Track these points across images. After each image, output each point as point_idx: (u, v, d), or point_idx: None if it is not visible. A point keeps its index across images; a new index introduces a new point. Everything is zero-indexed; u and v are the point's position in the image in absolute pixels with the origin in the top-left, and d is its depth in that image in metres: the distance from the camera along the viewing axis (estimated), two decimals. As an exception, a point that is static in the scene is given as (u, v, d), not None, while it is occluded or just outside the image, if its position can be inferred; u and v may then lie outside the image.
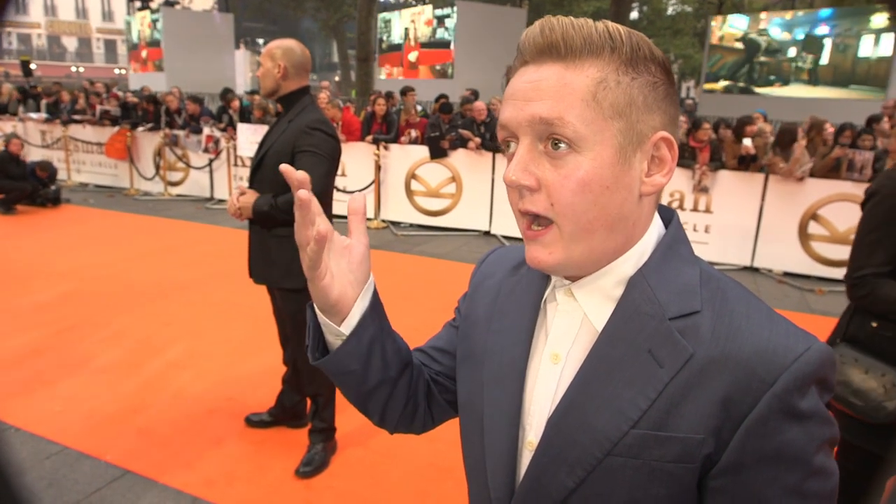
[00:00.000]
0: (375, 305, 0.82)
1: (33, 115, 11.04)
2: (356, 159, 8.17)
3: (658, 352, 0.68)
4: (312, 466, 2.88)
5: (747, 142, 6.45)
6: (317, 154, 2.59)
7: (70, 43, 44.96)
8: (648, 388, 0.67)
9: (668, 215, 0.78)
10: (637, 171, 0.69)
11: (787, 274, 6.42)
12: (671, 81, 0.70)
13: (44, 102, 11.39)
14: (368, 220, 7.27)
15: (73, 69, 42.16)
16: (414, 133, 8.04)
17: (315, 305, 0.81)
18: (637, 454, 0.67)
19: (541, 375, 0.77)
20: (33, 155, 10.64)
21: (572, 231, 0.68)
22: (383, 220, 8.20)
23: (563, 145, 0.66)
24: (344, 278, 0.79)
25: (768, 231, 6.49)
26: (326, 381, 2.92)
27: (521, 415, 0.79)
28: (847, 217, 6.02)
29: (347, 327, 0.79)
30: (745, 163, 6.50)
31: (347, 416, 3.37)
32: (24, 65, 16.41)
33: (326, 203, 2.77)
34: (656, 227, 0.75)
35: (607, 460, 0.68)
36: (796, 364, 0.63)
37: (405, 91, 8.90)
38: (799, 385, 0.63)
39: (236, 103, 9.71)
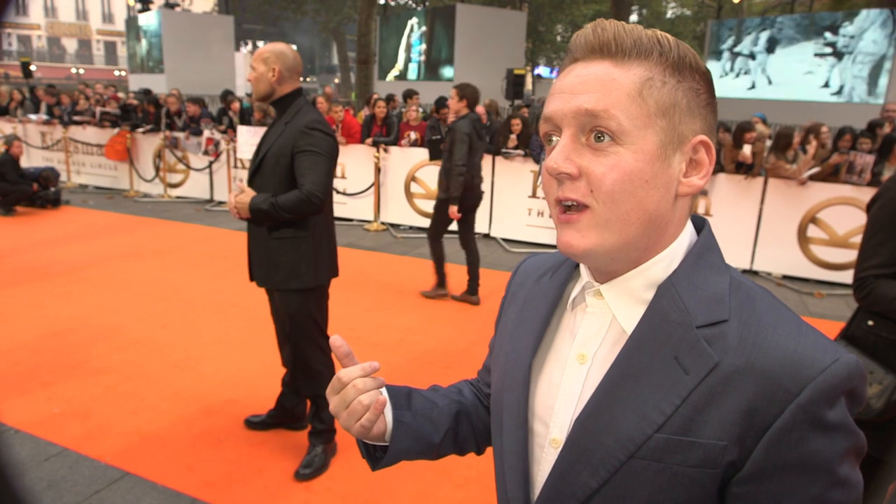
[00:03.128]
0: (397, 399, 0.91)
1: (33, 117, 11.04)
2: (356, 162, 8.18)
3: (684, 359, 0.68)
4: (312, 468, 2.88)
5: (746, 149, 6.45)
6: (317, 153, 2.60)
7: (70, 44, 44.97)
8: (673, 394, 0.68)
9: (700, 223, 0.79)
10: (675, 171, 0.71)
11: (786, 277, 6.43)
12: (712, 93, 0.73)
13: (44, 104, 11.39)
14: (368, 222, 7.24)
15: (73, 71, 42.18)
16: (413, 135, 8.05)
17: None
18: (660, 458, 0.68)
19: (566, 375, 0.78)
20: (33, 156, 10.65)
21: (608, 219, 0.69)
22: (383, 223, 8.21)
23: (606, 137, 0.68)
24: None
25: (767, 234, 6.50)
26: (325, 382, 2.92)
27: (530, 415, 0.81)
28: (846, 220, 6.03)
29: (387, 436, 0.89)
30: (743, 169, 6.51)
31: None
32: (24, 66, 16.40)
33: (328, 202, 2.78)
34: (688, 234, 0.76)
35: (630, 462, 0.69)
36: (823, 375, 0.63)
37: (410, 94, 8.92)
38: (826, 397, 0.63)
39: (237, 105, 9.72)
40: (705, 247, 0.75)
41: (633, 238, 0.71)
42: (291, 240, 2.69)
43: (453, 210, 5.00)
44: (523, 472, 0.81)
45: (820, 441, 0.64)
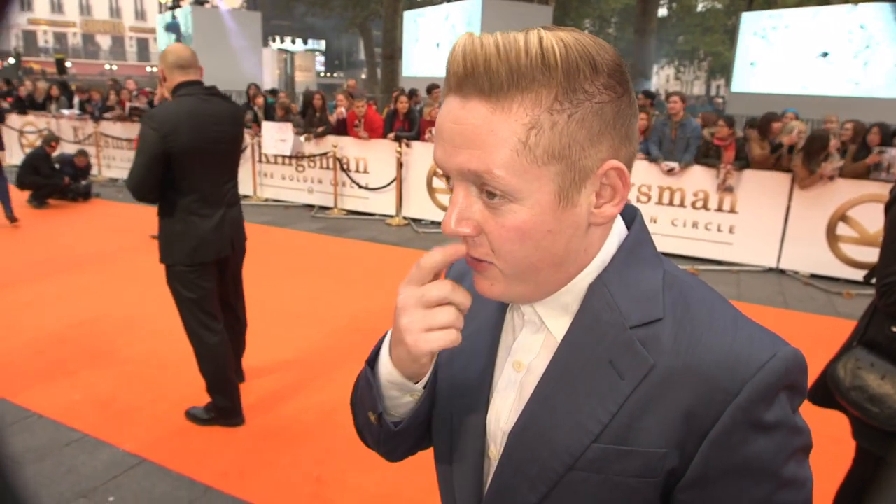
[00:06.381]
0: None
1: (65, 112, 11.31)
2: (378, 156, 8.21)
3: (619, 362, 0.65)
4: (195, 415, 3.26)
5: (793, 126, 6.27)
6: (139, 145, 2.81)
7: (104, 41, 45.99)
8: (609, 401, 0.65)
9: (630, 214, 0.74)
10: (584, 207, 0.64)
11: (814, 276, 6.28)
12: (623, 91, 0.62)
13: (77, 99, 11.67)
14: (390, 217, 7.32)
15: (107, 67, 43.13)
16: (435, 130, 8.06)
17: (396, 371, 0.72)
18: (599, 469, 0.65)
19: (502, 383, 0.75)
20: (65, 150, 10.88)
21: (514, 273, 0.65)
22: (405, 217, 8.22)
23: (497, 195, 0.62)
24: None
25: (795, 232, 6.35)
26: (204, 360, 3.15)
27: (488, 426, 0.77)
28: (877, 218, 5.80)
29: (423, 382, 0.74)
30: (778, 153, 6.28)
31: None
32: (59, 63, 16.82)
33: (154, 188, 2.85)
34: (617, 232, 0.71)
35: (569, 475, 0.66)
36: (760, 374, 0.61)
37: (432, 88, 8.92)
38: (763, 396, 0.61)
39: (260, 99, 9.79)
40: (637, 242, 0.70)
41: (547, 278, 0.67)
42: (162, 219, 2.96)
43: None
44: (477, 485, 0.78)
45: (761, 442, 0.61)
